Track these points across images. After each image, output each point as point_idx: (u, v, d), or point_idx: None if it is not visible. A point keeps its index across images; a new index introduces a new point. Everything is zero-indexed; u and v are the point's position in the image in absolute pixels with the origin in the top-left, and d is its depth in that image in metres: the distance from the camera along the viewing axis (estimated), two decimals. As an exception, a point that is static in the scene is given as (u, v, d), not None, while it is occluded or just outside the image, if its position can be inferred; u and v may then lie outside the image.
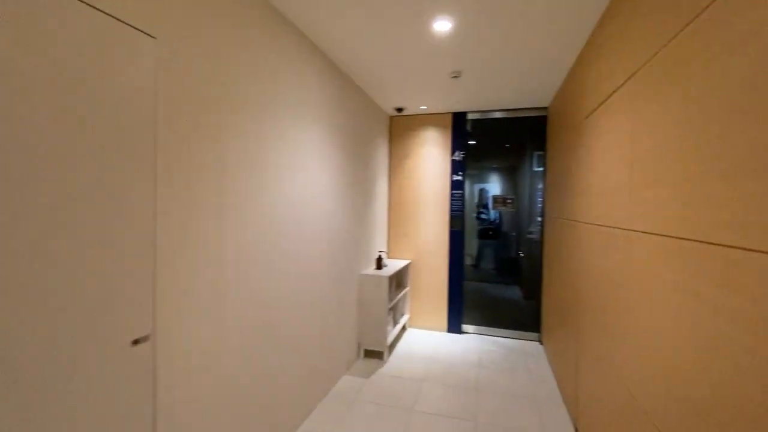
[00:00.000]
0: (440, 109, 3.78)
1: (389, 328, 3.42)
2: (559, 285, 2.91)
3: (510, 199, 3.89)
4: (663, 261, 1.16)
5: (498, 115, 3.78)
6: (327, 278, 2.62)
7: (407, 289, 4.00)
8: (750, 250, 0.78)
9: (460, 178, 3.86)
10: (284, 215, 2.06)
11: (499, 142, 5.97)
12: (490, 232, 7.81)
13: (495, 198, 3.96)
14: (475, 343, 3.65)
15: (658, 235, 1.21)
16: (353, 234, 3.12)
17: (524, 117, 3.73)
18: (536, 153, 5.55)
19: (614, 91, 1.63)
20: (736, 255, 0.83)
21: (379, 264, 3.41)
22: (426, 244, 3.97)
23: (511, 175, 7.63)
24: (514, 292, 5.98)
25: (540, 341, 3.70)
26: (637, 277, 1.37)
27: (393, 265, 3.64)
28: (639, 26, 1.39)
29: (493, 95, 3.30)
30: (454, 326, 3.90)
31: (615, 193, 1.65)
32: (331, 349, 2.72)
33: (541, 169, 5.51)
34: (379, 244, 3.84)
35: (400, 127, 4.05)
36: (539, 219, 5.56)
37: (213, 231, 1.51)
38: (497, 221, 7.95)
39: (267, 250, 1.90)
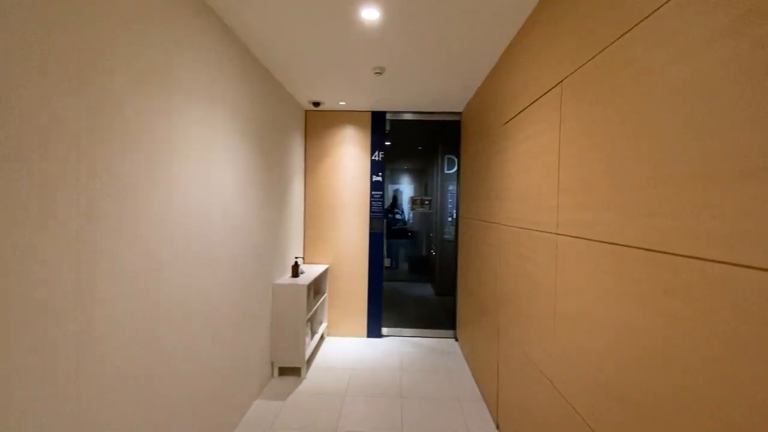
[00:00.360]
0: (360, 106, 3.64)
1: (307, 340, 3.15)
2: (475, 283, 3.02)
3: (427, 200, 3.96)
4: (584, 261, 1.19)
5: (415, 117, 3.80)
6: (235, 292, 2.26)
7: (325, 295, 3.77)
8: (651, 251, 0.80)
9: (379, 179, 3.78)
10: (182, 219, 1.68)
11: (414, 144, 6.12)
12: (405, 233, 8.01)
13: (413, 199, 3.99)
14: (395, 346, 3.60)
15: (580, 238, 1.25)
16: (267, 239, 2.78)
17: (439, 120, 3.81)
18: (447, 156, 5.83)
19: (540, 97, 1.68)
20: (635, 254, 0.85)
21: (296, 271, 3.12)
22: (345, 247, 3.79)
23: (423, 177, 7.93)
24: (427, 290, 6.20)
25: (455, 338, 3.82)
26: (562, 279, 1.41)
27: (310, 272, 3.38)
28: (569, 32, 1.43)
29: (413, 96, 3.29)
30: (373, 331, 3.80)
31: (537, 197, 1.70)
32: (240, 371, 2.35)
33: (452, 171, 5.79)
34: (296, 249, 3.53)
35: (317, 123, 3.79)
36: (450, 219, 5.85)
37: (69, 238, 1.10)
38: (411, 222, 8.20)
39: (156, 261, 1.51)
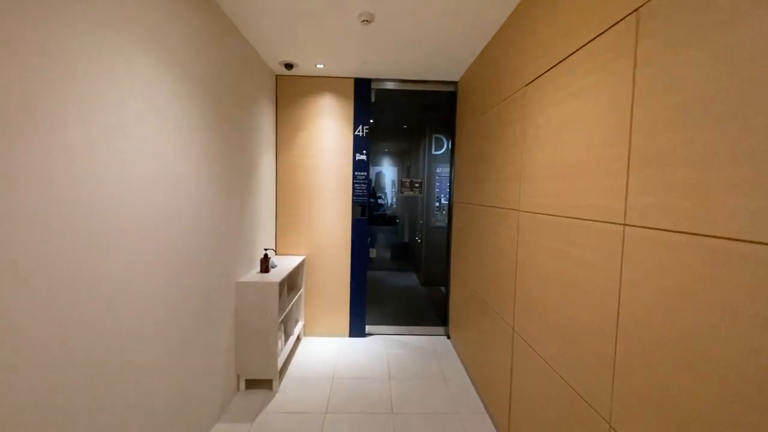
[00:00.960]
0: (341, 71, 3.10)
1: (280, 346, 2.68)
2: (475, 277, 2.63)
3: (418, 183, 3.50)
4: (680, 266, 0.79)
5: (403, 87, 3.30)
6: (184, 293, 1.75)
7: (301, 291, 3.29)
8: None
9: (363, 157, 3.28)
10: (113, 205, 1.15)
11: (398, 122, 5.61)
12: (389, 219, 7.56)
13: (402, 182, 3.52)
14: (381, 347, 3.20)
15: (676, 232, 0.84)
16: (228, 228, 2.25)
17: (431, 92, 3.34)
18: (435, 135, 5.38)
19: (596, 37, 1.24)
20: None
21: (266, 265, 2.62)
22: (324, 236, 3.31)
23: (406, 159, 7.43)
24: (411, 279, 5.83)
25: (447, 335, 3.46)
26: (632, 287, 1.01)
27: (283, 265, 2.88)
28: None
29: (403, 59, 2.79)
30: (356, 329, 3.38)
31: (586, 175, 1.28)
32: (195, 389, 1.87)
33: (440, 152, 5.36)
34: (266, 239, 3.01)
35: (290, 90, 3.22)
36: (437, 205, 5.45)
37: None
38: (394, 207, 7.75)
39: (82, 257, 0.99)
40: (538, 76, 1.67)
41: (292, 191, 3.27)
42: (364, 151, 3.28)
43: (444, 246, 4.74)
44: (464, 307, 2.92)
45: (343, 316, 3.36)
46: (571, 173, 1.38)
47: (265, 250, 2.70)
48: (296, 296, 3.10)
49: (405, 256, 6.86)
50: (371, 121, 3.28)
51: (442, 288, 5.24)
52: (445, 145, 5.36)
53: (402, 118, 5.13)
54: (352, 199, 3.29)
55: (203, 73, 1.89)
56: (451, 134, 3.41)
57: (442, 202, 5.19)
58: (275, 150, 3.24)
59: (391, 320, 3.69)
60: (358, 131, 3.25)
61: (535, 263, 1.65)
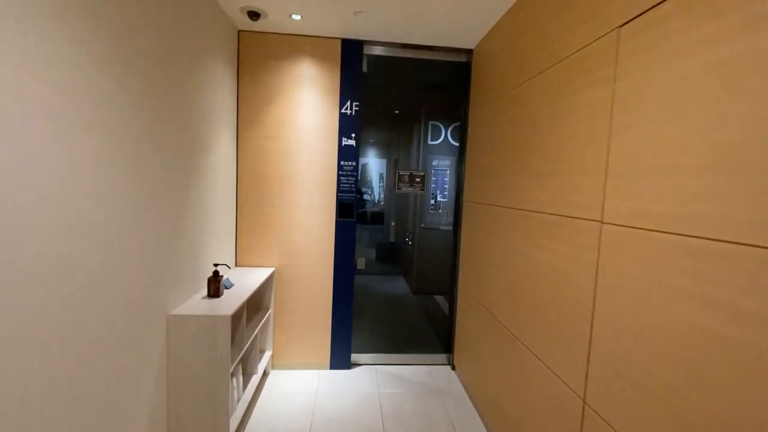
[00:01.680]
0: (324, 27, 2.37)
1: (236, 396, 1.97)
2: (497, 298, 1.99)
3: (419, 176, 2.83)
4: None
5: (403, 53, 2.60)
6: (87, 336, 1.01)
7: (270, 312, 2.57)
8: None
9: (352, 142, 2.57)
10: None
11: (391, 102, 4.90)
12: (375, 217, 6.86)
13: (399, 176, 2.83)
14: (371, 385, 2.53)
15: None
16: (158, 238, 1.51)
17: (435, 64, 2.66)
18: (432, 123, 4.70)
19: None
20: None
21: (216, 287, 1.89)
22: (300, 242, 2.59)
23: (394, 149, 6.71)
24: (400, 286, 5.17)
25: (452, 365, 2.83)
26: None
27: (244, 282, 2.16)
28: None
29: (406, 10, 2.09)
30: (340, 359, 2.69)
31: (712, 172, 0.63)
32: None
33: (437, 142, 4.69)
34: (220, 248, 2.26)
35: (257, 52, 2.46)
36: (432, 203, 4.79)
37: None
38: (381, 203, 7.05)
39: None
40: (650, 8, 1.02)
41: (259, 184, 2.53)
42: (353, 135, 2.56)
43: (439, 250, 4.10)
44: (477, 333, 2.29)
45: (322, 343, 2.66)
46: (733, 163, 0.73)
47: (216, 266, 1.96)
48: (263, 320, 2.38)
49: (391, 257, 6.19)
50: (362, 96, 2.56)
51: (437, 298, 4.62)
52: (443, 134, 4.70)
53: (395, 99, 4.42)
54: (337, 196, 2.58)
55: (118, 17, 1.13)
56: (460, 119, 2.75)
57: (439, 199, 4.54)
58: (236, 130, 2.48)
59: (380, 343, 3.03)
60: (346, 108, 2.54)
61: (646, 314, 1.01)
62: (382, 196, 6.50)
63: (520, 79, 1.86)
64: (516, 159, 1.88)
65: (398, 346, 2.98)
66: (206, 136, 2.00)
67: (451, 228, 4.74)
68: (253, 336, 2.17)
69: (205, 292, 1.97)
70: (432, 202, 4.69)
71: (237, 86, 2.46)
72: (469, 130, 2.61)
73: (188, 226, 1.82)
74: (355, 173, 2.58)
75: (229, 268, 2.22)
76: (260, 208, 2.54)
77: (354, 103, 2.54)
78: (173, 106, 1.63)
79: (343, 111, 2.53)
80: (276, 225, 2.55)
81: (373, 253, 6.40)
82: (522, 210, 1.80)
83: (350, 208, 2.59)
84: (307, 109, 2.51)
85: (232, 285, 2.10)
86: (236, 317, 1.93)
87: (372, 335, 3.19)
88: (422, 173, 2.83)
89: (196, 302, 1.82)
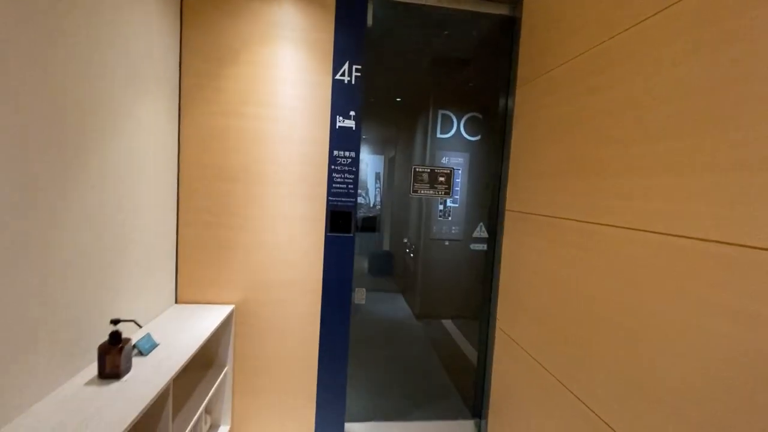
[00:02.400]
0: (312, -51, 1.58)
1: None
2: (556, 343, 1.22)
3: (444, 175, 2.06)
4: None
5: (423, 0, 1.84)
6: None
7: (226, 370, 1.74)
8: None
9: (351, 124, 1.78)
10: None
11: (393, 85, 4.10)
12: (371, 222, 6.03)
13: (417, 174, 2.05)
14: (375, 475, 1.73)
15: None
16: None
17: (463, 24, 1.91)
18: (442, 112, 3.96)
19: None
20: None
21: (113, 362, 1.06)
22: (273, 267, 1.78)
23: (395, 144, 5.86)
24: (399, 306, 4.37)
25: (482, 434, 2.06)
26: None
27: (182, 336, 1.34)
28: None
29: None
30: (329, 428, 1.89)
31: None
32: None
33: (448, 135, 3.95)
34: (142, 284, 1.43)
35: (210, -14, 1.65)
36: (440, 208, 4.05)
37: None
38: (378, 208, 6.24)
39: None
40: None
41: (213, 183, 1.71)
42: (352, 113, 1.77)
43: (449, 266, 3.37)
44: (523, 393, 1.52)
45: (303, 414, 1.85)
46: None
47: (115, 323, 1.12)
48: (215, 384, 1.56)
49: (387, 269, 5.40)
50: (366, 58, 1.77)
51: (445, 323, 3.83)
52: (455, 126, 3.94)
53: (400, 79, 3.64)
54: (328, 201, 1.78)
55: None
56: (501, 98, 1.99)
57: (449, 204, 3.80)
58: (177, 101, 1.66)
59: (381, 403, 2.24)
60: (343, 74, 1.75)
61: None
62: (378, 199, 5.70)
63: (605, 32, 1.11)
64: (598, 152, 1.13)
65: (405, 407, 2.20)
66: (113, 106, 1.18)
67: (460, 239, 3.97)
68: (198, 414, 1.35)
69: (96, 368, 1.13)
70: (440, 207, 3.94)
71: (180, 34, 1.64)
72: (516, 112, 1.86)
73: (65, 253, 1.00)
74: (354, 168, 1.79)
75: (140, 326, 1.39)
76: (215, 219, 1.72)
77: (354, 67, 1.75)
78: (43, 53, 0.81)
79: (338, 78, 1.74)
80: (238, 243, 1.74)
81: (364, 265, 5.59)
82: (606, 226, 1.06)
83: (346, 218, 1.80)
84: (286, 73, 1.71)
85: (155, 346, 1.28)
86: (153, 413, 1.11)
87: (369, 389, 2.40)
88: (447, 170, 2.07)
89: (73, 393, 0.99)
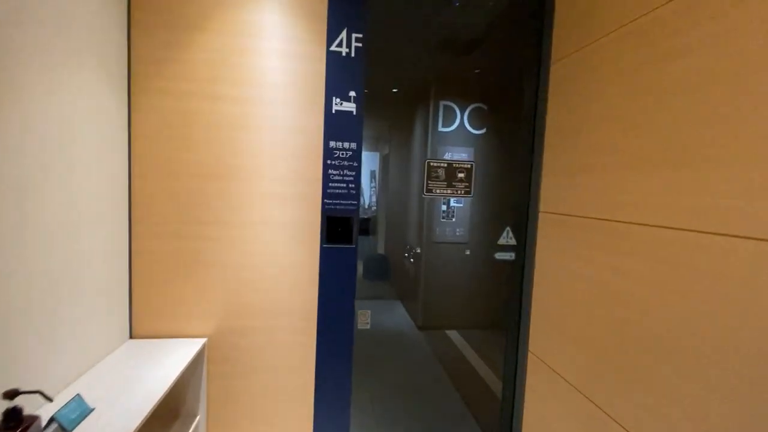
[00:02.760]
0: None
1: None
2: (610, 375, 0.91)
3: (463, 169, 1.71)
4: None
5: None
6: None
7: (197, 421, 1.37)
8: None
9: (351, 107, 1.42)
10: None
11: (387, 84, 3.74)
12: (366, 224, 5.65)
13: (431, 169, 1.69)
14: None
15: None
16: None
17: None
18: (444, 103, 3.64)
19: None
20: None
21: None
22: (255, 289, 1.41)
23: (389, 140, 5.40)
24: (400, 316, 4.02)
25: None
26: None
27: (132, 391, 0.97)
28: None
29: None
30: (328, 485, 1.53)
31: None
32: None
33: (450, 129, 3.63)
34: (66, 320, 1.06)
35: (167, -71, 1.28)
36: (444, 209, 3.74)
37: None
38: (374, 209, 5.87)
39: None
40: None
41: (176, 182, 1.34)
42: (352, 94, 1.42)
43: (453, 272, 3.12)
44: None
45: (298, 465, 1.50)
46: None
47: (11, 397, 0.75)
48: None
49: (383, 273, 5.05)
50: (368, 26, 1.42)
51: (449, 334, 3.49)
52: (458, 118, 3.61)
53: (399, 67, 3.27)
54: (323, 204, 1.43)
55: None
56: (517, 84, 1.66)
57: (452, 205, 3.47)
58: (126, 75, 1.28)
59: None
60: (339, 44, 1.39)
61: None
62: (373, 200, 5.27)
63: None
64: (684, 135, 0.82)
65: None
66: (13, 77, 0.81)
67: (466, 241, 3.63)
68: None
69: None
70: (444, 208, 3.61)
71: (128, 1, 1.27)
72: (551, 94, 1.53)
73: None
74: (355, 164, 1.44)
75: (50, 401, 1.01)
76: (179, 229, 1.34)
77: (354, 36, 1.40)
78: None
79: (334, 49, 1.39)
80: (209, 259, 1.37)
81: (358, 269, 5.21)
82: (692, 232, 0.75)
83: (346, 225, 1.45)
84: (269, 43, 1.35)
85: (86, 414, 0.91)
86: None
87: (372, 418, 2.05)
88: (467, 164, 1.72)
89: None
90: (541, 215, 1.57)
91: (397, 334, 3.47)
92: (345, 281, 1.47)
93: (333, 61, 1.38)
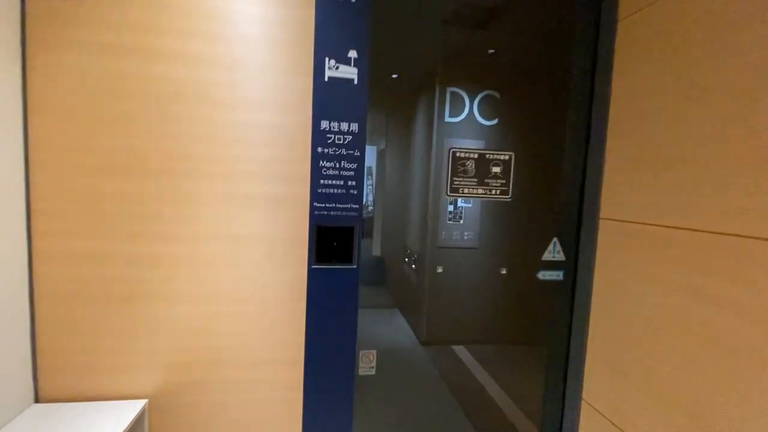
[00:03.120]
0: None
1: None
2: None
3: (499, 163, 1.32)
4: None
5: None
6: None
7: None
8: None
9: (351, 72, 1.01)
10: None
11: (393, 54, 3.32)
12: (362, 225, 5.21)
13: (457, 161, 1.29)
14: None
15: None
16: None
17: None
18: (450, 90, 3.24)
19: None
20: None
21: None
22: (214, 326, 1.01)
23: (386, 133, 4.96)
24: (399, 328, 3.63)
25: None
26: None
27: None
28: None
29: None
30: None
31: None
32: None
33: (458, 119, 3.24)
34: None
35: None
36: (450, 209, 3.35)
37: None
38: (370, 208, 5.46)
39: None
40: None
41: (93, 178, 0.92)
42: (353, 54, 1.00)
43: (461, 280, 2.80)
44: None
45: None
46: None
47: None
48: None
49: (378, 278, 4.65)
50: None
51: (456, 350, 3.13)
52: (467, 107, 3.20)
53: (401, 50, 2.85)
54: (312, 209, 1.02)
55: None
56: (578, 51, 1.26)
57: (460, 205, 3.08)
58: (19, 21, 0.85)
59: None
60: (335, -18, 0.98)
61: None
62: (371, 198, 4.88)
63: None
64: None
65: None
66: None
67: (476, 246, 3.26)
68: None
69: None
70: (450, 208, 3.22)
71: None
72: (615, 65, 1.14)
73: None
74: (357, 153, 1.04)
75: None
76: (101, 248, 0.93)
77: (356, -29, 0.98)
78: None
79: (326, -11, 0.97)
80: (147, 290, 0.96)
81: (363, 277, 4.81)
82: None
83: (345, 237, 1.05)
84: (230, -22, 0.93)
85: None
86: None
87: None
88: (505, 156, 1.33)
89: None
90: (602, 223, 1.19)
91: (396, 353, 3.09)
92: (342, 315, 1.07)
93: (326, 5, 0.97)
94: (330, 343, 1.07)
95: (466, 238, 3.27)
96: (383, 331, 3.42)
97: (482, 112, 3.08)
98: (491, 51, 2.25)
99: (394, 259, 4.01)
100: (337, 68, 0.98)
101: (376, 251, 4.93)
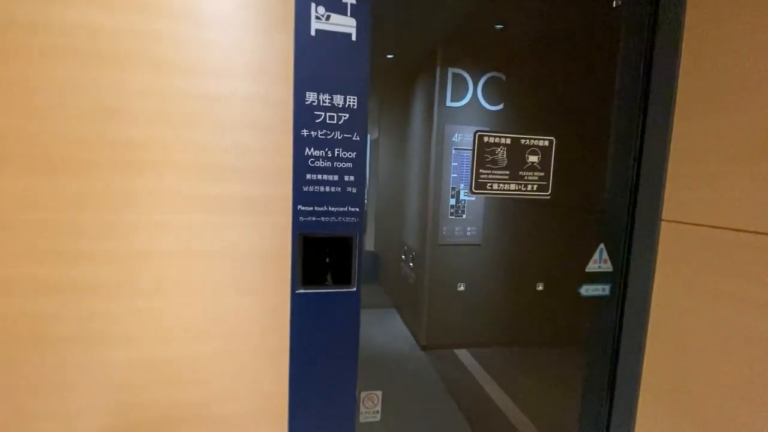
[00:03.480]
0: None
1: None
2: None
3: (537, 151, 1.05)
4: None
5: None
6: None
7: None
8: None
9: (347, 25, 0.74)
10: None
11: (393, 31, 3.02)
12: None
13: (485, 147, 1.03)
14: None
15: None
16: None
17: None
18: (453, 71, 2.95)
19: None
20: None
21: None
22: (166, 375, 0.74)
23: (379, 119, 4.59)
24: (397, 330, 3.40)
25: None
26: None
27: None
28: None
29: None
30: None
31: None
32: None
33: (462, 102, 2.98)
34: None
35: None
36: (452, 203, 3.12)
37: None
38: (365, 202, 5.18)
39: None
40: None
41: (-19, 175, 0.64)
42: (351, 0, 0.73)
43: (463, 278, 2.53)
44: None
45: None
46: None
47: None
48: None
49: (372, 275, 4.40)
50: None
51: (458, 353, 2.91)
52: (470, 91, 2.91)
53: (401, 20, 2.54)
54: (296, 214, 0.75)
55: None
56: (629, 19, 1.00)
57: (462, 198, 2.81)
58: None
59: None
60: None
61: None
62: (367, 193, 4.57)
63: None
64: None
65: None
66: None
67: (479, 242, 3.03)
68: None
69: None
70: (451, 202, 2.95)
71: None
72: (685, 31, 0.89)
73: None
74: (358, 137, 0.77)
75: None
76: (4, 275, 0.65)
77: None
78: None
79: None
80: (67, 330, 0.69)
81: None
82: None
83: (341, 250, 0.79)
84: None
85: None
86: None
87: None
88: (545, 141, 1.07)
89: None
90: (664, 226, 0.95)
91: (393, 360, 2.85)
92: (339, 353, 0.81)
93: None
94: (322, 391, 0.81)
95: (468, 234, 2.99)
96: (378, 331, 3.16)
97: (487, 96, 2.78)
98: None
99: (391, 257, 3.70)
100: (327, 18, 0.71)
101: (369, 246, 4.62)
